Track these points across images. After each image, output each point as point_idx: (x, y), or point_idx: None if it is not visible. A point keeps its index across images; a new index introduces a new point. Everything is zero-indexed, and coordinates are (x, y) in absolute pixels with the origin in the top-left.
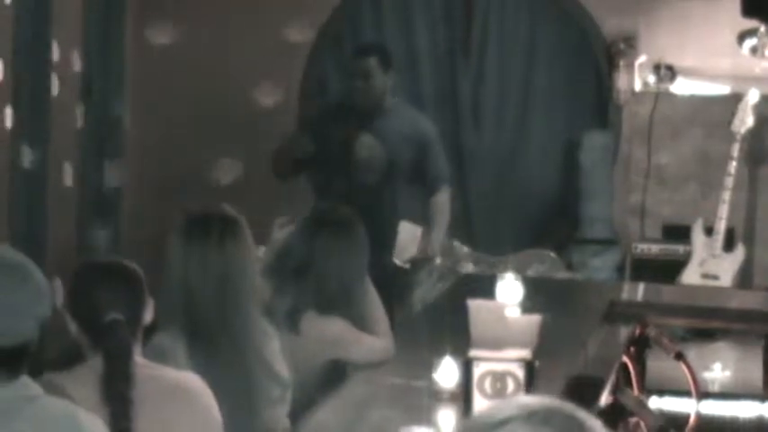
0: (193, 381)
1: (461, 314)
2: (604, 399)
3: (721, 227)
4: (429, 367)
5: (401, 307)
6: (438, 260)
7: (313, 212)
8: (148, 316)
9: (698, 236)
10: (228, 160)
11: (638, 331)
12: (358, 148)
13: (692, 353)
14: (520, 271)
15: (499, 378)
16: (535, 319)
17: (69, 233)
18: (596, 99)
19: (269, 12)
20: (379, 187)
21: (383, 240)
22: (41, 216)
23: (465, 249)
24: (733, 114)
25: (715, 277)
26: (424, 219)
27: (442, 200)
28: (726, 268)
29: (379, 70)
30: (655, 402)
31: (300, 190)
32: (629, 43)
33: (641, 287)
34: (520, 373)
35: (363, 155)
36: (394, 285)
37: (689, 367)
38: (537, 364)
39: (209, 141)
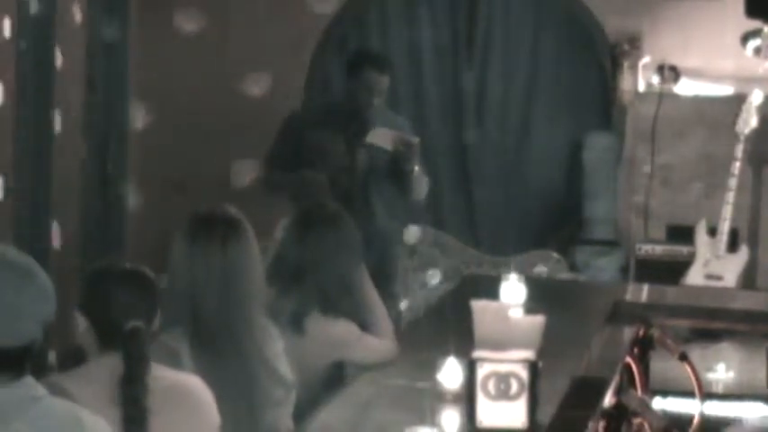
0: (194, 382)
1: (465, 315)
2: (608, 399)
3: (725, 228)
4: (433, 368)
5: (388, 307)
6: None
7: (299, 213)
8: (157, 323)
9: (702, 237)
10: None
11: (641, 332)
12: (356, 154)
13: (696, 354)
14: (523, 272)
15: (503, 379)
16: (539, 319)
17: (74, 231)
18: (600, 100)
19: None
20: (359, 188)
21: (364, 241)
22: (45, 212)
23: (469, 250)
24: (737, 115)
25: (719, 278)
26: (405, 218)
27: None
28: (730, 269)
29: (389, 86)
30: (658, 403)
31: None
32: (633, 44)
33: (645, 288)
34: (524, 373)
35: (359, 160)
36: (380, 286)
37: (693, 368)
38: (541, 364)
39: (217, 142)
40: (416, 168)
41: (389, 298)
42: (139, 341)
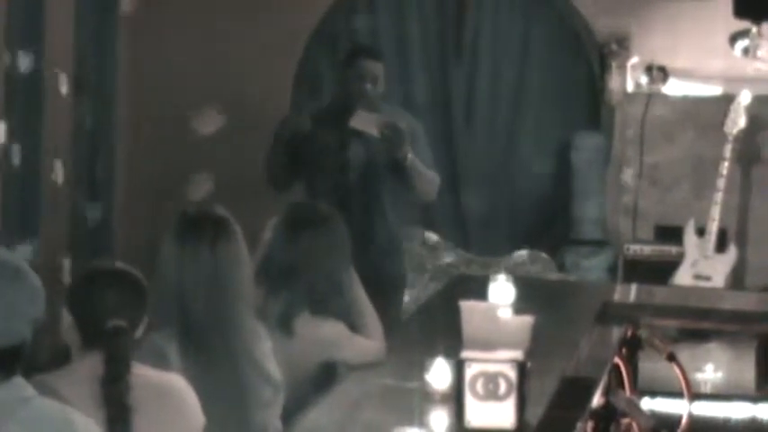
0: (176, 381)
1: (454, 315)
2: (596, 400)
3: (713, 228)
4: (421, 368)
5: (391, 309)
6: (409, 155)
7: (290, 212)
8: (144, 323)
9: (690, 237)
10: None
11: (630, 332)
12: (351, 149)
13: (685, 354)
14: (512, 272)
15: (491, 379)
16: (527, 320)
17: (63, 233)
18: (589, 100)
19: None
20: (365, 188)
21: (369, 241)
22: (33, 215)
23: (458, 250)
24: (725, 115)
25: (707, 278)
26: (410, 219)
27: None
28: (718, 269)
29: (383, 75)
30: (647, 403)
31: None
32: (622, 44)
33: (633, 288)
34: (512, 373)
35: (355, 156)
36: (383, 287)
37: (681, 368)
38: (529, 365)
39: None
40: (410, 156)
41: (393, 299)
42: (121, 340)
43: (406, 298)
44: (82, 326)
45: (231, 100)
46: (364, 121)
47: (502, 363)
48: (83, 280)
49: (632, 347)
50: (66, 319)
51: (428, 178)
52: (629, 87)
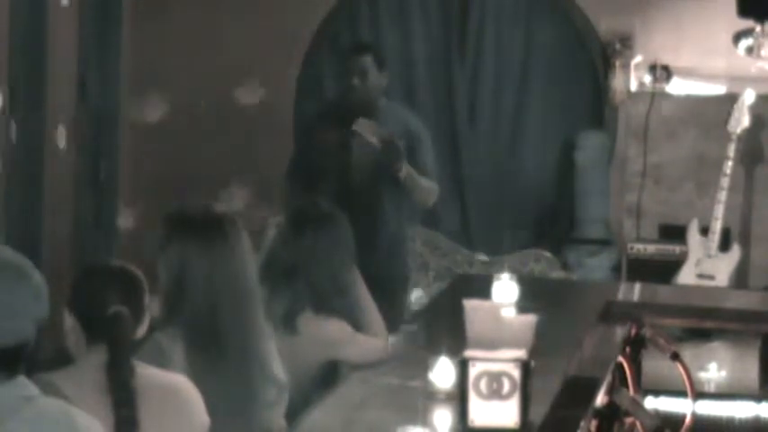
0: (181, 382)
1: (457, 314)
2: (600, 399)
3: (717, 227)
4: (425, 367)
5: (395, 308)
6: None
7: (293, 212)
8: (143, 329)
9: (694, 236)
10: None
11: (633, 331)
12: (353, 149)
13: (688, 353)
14: (516, 271)
15: (495, 378)
16: (531, 319)
17: (66, 232)
18: (592, 99)
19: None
20: (368, 189)
21: (373, 242)
22: (36, 215)
23: (461, 250)
24: (729, 114)
25: (711, 277)
26: (413, 219)
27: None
28: (722, 268)
29: (375, 69)
30: (650, 402)
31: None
32: (625, 43)
33: (637, 287)
34: (516, 373)
35: (357, 157)
36: (387, 286)
37: (685, 367)
38: (533, 364)
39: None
40: (404, 171)
41: (397, 299)
42: (123, 325)
43: (411, 298)
44: (83, 321)
45: (233, 100)
46: (365, 128)
47: (505, 362)
48: (83, 277)
49: (636, 346)
50: (69, 320)
51: (425, 188)
52: (633, 86)
